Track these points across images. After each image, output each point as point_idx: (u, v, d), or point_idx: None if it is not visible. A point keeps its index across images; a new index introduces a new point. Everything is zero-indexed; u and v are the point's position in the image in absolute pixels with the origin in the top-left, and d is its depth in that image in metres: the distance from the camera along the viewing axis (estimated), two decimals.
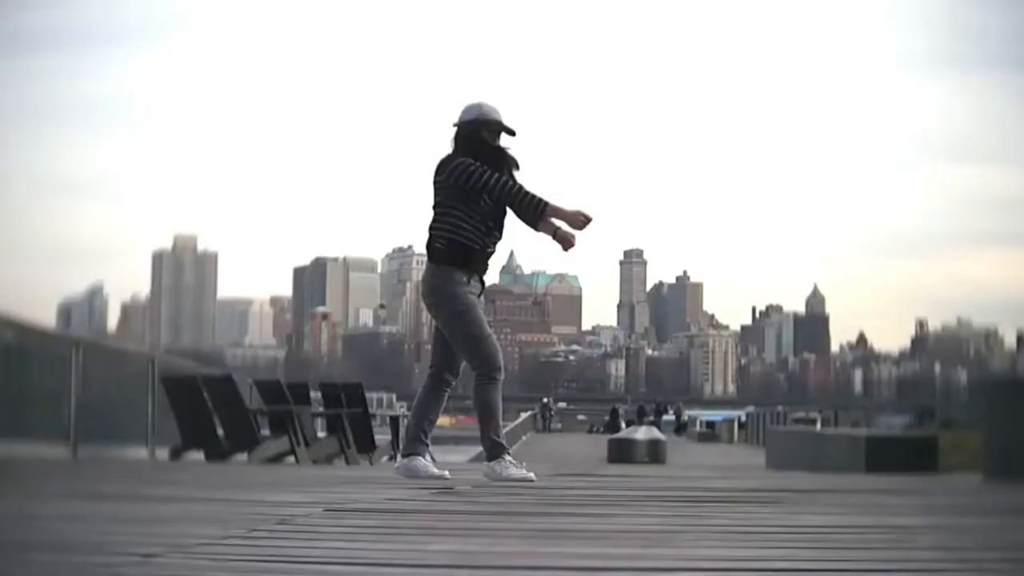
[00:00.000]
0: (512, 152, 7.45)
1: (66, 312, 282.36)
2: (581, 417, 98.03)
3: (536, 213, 7.30)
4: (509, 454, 7.46)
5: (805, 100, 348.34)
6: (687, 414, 70.20)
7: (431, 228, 7.41)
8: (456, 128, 7.46)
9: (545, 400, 68.82)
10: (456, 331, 7.41)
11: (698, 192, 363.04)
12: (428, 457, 7.56)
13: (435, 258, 7.43)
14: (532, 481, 7.18)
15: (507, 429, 49.62)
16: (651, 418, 60.23)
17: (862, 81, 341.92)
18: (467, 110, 7.46)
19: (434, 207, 7.42)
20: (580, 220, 7.35)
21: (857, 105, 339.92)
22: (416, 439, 7.52)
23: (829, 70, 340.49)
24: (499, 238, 7.53)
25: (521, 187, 7.29)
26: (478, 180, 7.25)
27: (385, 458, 18.72)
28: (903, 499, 6.53)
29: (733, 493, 6.67)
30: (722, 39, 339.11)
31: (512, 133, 7.46)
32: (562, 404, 64.31)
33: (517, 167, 7.42)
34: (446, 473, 7.51)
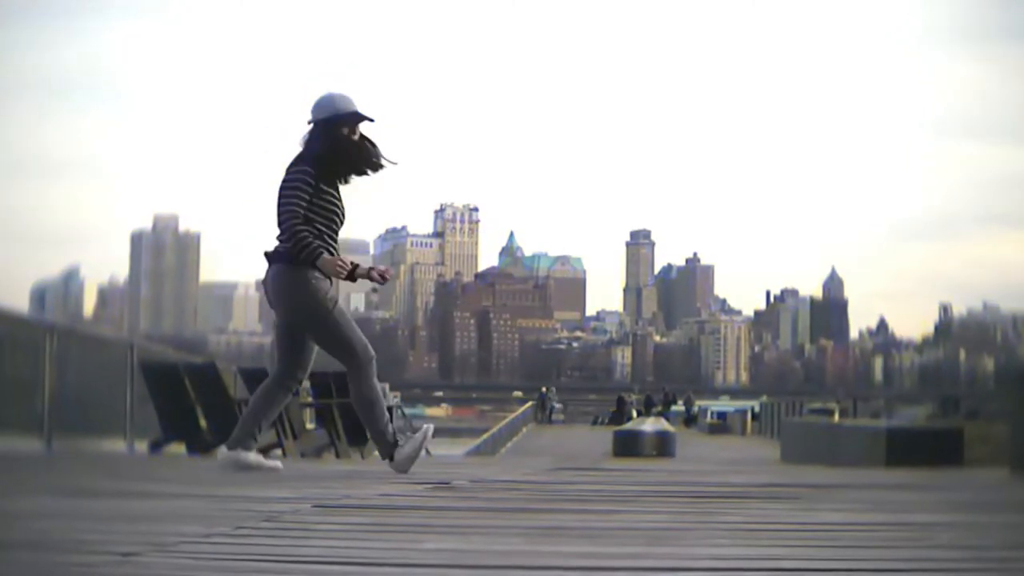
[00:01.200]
0: (369, 139, 7.63)
1: (39, 296, 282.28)
2: (589, 408, 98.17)
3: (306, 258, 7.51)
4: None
5: (824, 75, 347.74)
6: (697, 405, 70.24)
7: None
8: (312, 125, 7.57)
9: (546, 390, 68.82)
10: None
11: (709, 169, 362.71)
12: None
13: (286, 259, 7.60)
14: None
15: (506, 421, 49.65)
16: (659, 409, 60.32)
17: (882, 56, 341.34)
18: (321, 106, 7.58)
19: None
20: (341, 270, 7.59)
21: (877, 80, 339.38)
22: (249, 434, 7.66)
23: (848, 45, 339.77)
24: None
25: (301, 236, 7.48)
26: (282, 208, 7.52)
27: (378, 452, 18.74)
28: (924, 495, 6.55)
29: (745, 489, 6.68)
30: (738, 13, 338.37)
31: (371, 120, 7.62)
32: (558, 405, 64.09)
33: (378, 154, 7.63)
34: (278, 464, 7.70)
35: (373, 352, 7.89)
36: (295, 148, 7.60)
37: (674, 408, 64.86)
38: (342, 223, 7.69)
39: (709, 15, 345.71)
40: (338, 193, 7.64)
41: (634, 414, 53.10)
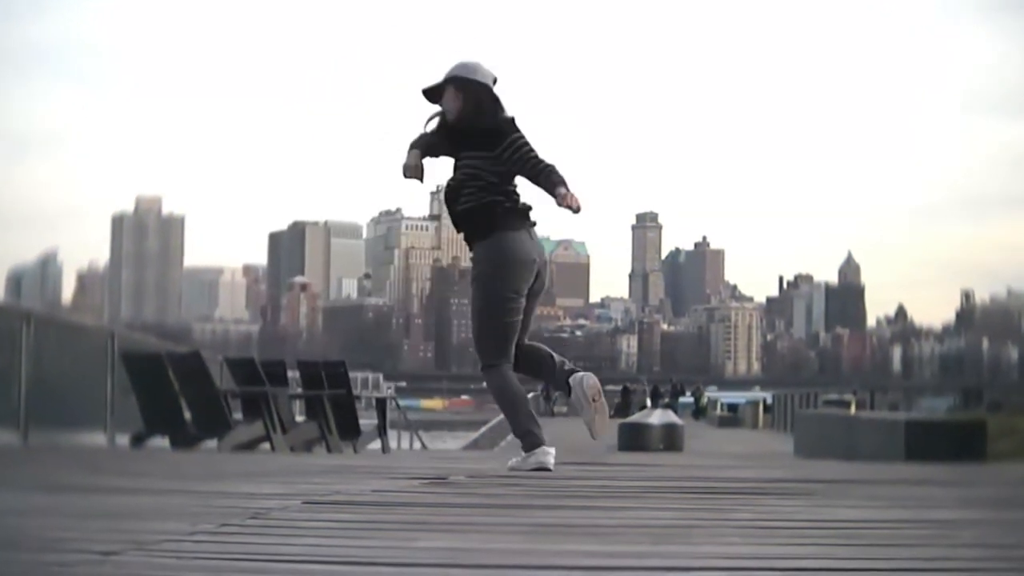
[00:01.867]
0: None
1: (15, 282, 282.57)
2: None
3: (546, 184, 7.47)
4: None
5: (840, 54, 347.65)
6: (707, 396, 70.39)
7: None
8: (478, 86, 7.53)
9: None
10: None
11: (719, 149, 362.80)
12: None
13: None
14: None
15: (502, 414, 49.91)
16: (667, 400, 60.39)
17: (901, 33, 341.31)
18: (480, 70, 7.58)
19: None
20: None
21: (896, 54, 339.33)
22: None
23: (865, 22, 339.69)
24: None
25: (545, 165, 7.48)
26: (532, 167, 7.47)
27: (371, 445, 18.77)
28: (945, 491, 6.55)
29: (757, 484, 6.69)
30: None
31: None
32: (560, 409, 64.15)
33: None
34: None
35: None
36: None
37: (682, 399, 65.04)
38: None
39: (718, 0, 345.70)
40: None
41: (648, 403, 53.12)
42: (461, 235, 7.67)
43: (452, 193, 7.56)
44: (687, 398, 67.03)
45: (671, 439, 26.65)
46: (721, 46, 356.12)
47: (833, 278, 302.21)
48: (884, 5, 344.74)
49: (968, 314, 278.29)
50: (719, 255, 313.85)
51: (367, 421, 18.48)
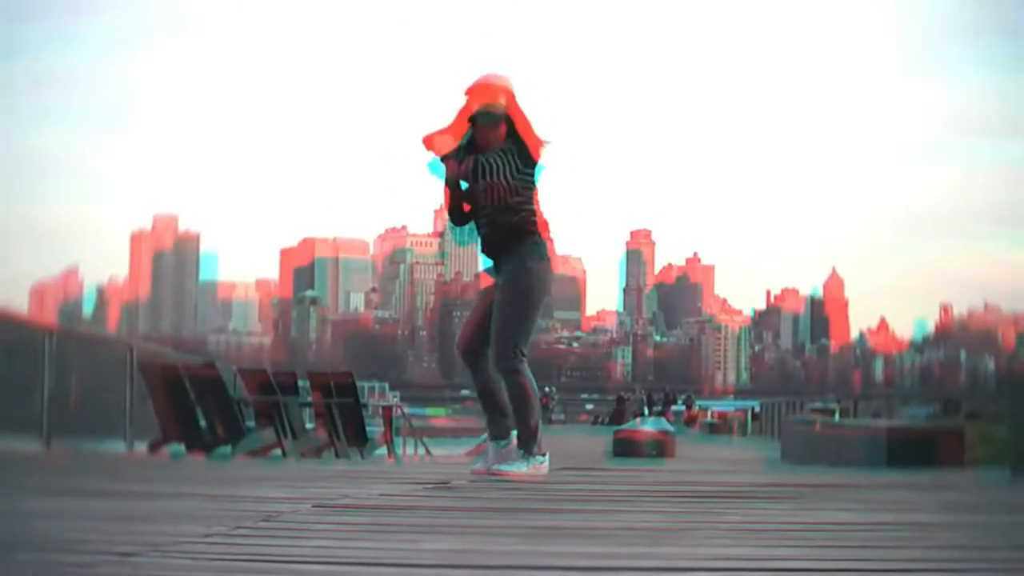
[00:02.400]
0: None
1: (39, 296, 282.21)
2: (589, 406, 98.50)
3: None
4: None
5: (821, 70, 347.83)
6: (698, 404, 70.31)
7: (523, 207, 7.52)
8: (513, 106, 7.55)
9: (547, 389, 68.91)
10: None
11: (709, 169, 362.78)
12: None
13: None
14: None
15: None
16: (659, 408, 60.35)
17: (883, 50, 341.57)
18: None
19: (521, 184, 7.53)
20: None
21: (877, 73, 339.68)
22: None
23: (845, 45, 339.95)
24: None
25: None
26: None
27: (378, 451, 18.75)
28: (925, 495, 6.54)
29: (745, 488, 6.68)
30: (736, 14, 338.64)
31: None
32: (561, 415, 63.89)
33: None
34: None
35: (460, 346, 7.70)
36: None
37: (675, 408, 65.00)
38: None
39: (707, 16, 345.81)
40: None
41: (646, 411, 53.06)
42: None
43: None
44: (679, 406, 66.99)
45: (663, 446, 26.60)
46: (706, 77, 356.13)
47: (818, 292, 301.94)
48: (864, 29, 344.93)
49: (947, 327, 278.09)
50: (709, 270, 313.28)
51: (374, 428, 18.46)
